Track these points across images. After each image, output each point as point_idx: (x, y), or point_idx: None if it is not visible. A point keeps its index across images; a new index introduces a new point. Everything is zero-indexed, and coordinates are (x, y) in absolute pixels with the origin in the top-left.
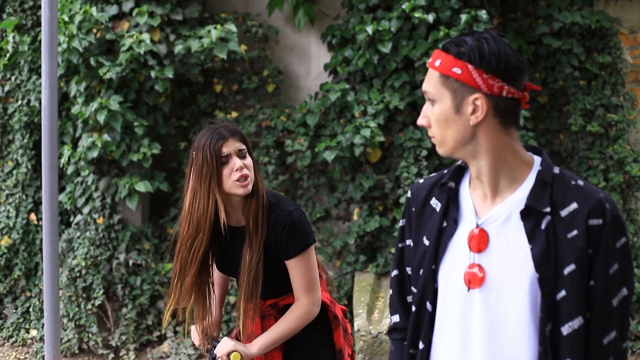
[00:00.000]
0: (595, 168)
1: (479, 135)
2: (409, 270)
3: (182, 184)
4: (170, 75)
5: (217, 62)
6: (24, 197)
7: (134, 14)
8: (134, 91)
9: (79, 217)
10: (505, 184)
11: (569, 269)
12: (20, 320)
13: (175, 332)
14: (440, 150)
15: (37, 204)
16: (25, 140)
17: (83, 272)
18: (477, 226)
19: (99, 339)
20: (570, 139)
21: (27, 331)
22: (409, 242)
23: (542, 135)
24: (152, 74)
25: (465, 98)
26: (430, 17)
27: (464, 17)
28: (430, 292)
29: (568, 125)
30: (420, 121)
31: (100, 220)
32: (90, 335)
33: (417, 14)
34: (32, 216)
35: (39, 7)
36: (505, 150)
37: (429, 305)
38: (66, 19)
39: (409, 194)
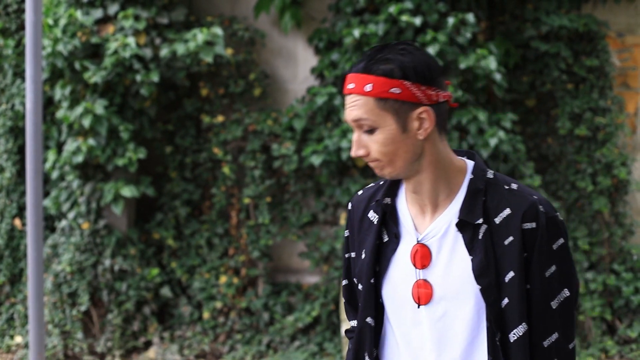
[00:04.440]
0: (583, 172)
1: (425, 148)
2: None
3: (168, 189)
4: (156, 79)
5: (203, 65)
6: (8, 202)
7: (119, 17)
8: (120, 95)
9: (64, 223)
10: (444, 196)
11: (508, 276)
12: (5, 326)
13: (162, 338)
14: (386, 173)
15: (21, 209)
16: (10, 145)
17: (68, 277)
18: (418, 242)
19: (85, 345)
20: (558, 142)
21: (12, 337)
22: (353, 254)
23: (530, 139)
24: (138, 77)
25: (409, 115)
26: (418, 21)
27: (451, 20)
28: (371, 307)
29: (556, 129)
30: (357, 152)
31: (85, 226)
32: (75, 341)
33: (404, 18)
34: (17, 221)
35: (23, 11)
36: (444, 160)
37: (370, 320)
38: (51, 22)
39: (349, 206)
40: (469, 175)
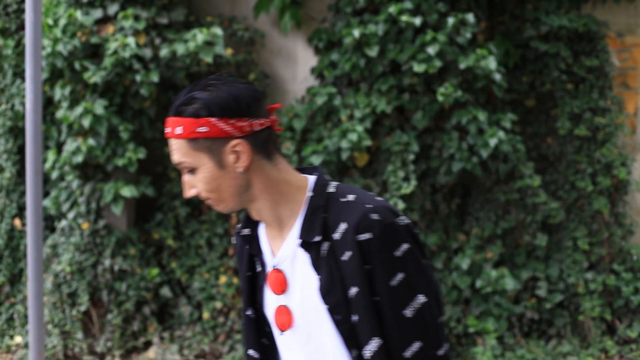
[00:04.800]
0: (583, 172)
1: (251, 178)
2: None
3: (167, 189)
4: (156, 79)
5: (203, 65)
6: (8, 202)
7: (119, 17)
8: (120, 95)
9: (63, 223)
10: (287, 218)
11: (352, 292)
12: (5, 326)
13: (162, 338)
14: (221, 208)
15: (21, 209)
16: (10, 145)
17: (68, 277)
18: (273, 267)
19: (84, 345)
20: (558, 142)
21: (12, 337)
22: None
23: (530, 139)
24: (138, 78)
25: (222, 151)
26: (417, 21)
27: (451, 20)
28: (251, 339)
29: (556, 129)
30: (189, 193)
31: (85, 226)
32: (75, 341)
33: (404, 18)
34: (17, 221)
35: (23, 11)
36: (278, 184)
37: (252, 352)
38: (51, 22)
39: (233, 240)
40: (309, 193)
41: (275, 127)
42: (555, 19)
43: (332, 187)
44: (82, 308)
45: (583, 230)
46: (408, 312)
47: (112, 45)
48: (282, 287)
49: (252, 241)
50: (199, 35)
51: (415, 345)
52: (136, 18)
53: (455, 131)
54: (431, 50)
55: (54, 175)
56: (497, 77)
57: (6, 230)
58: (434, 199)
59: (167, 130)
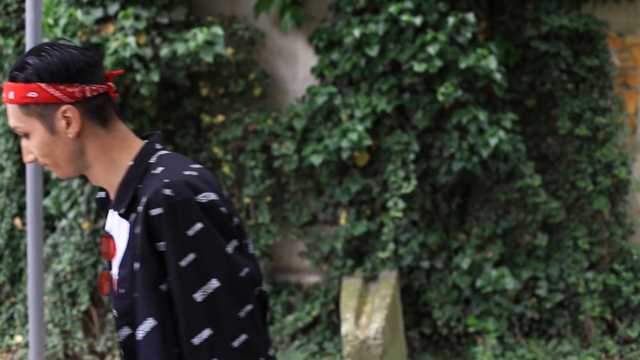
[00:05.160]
0: (583, 172)
1: (85, 144)
2: None
3: None
4: (156, 79)
5: (204, 65)
6: (8, 201)
7: (119, 17)
8: (120, 95)
9: (64, 222)
10: (118, 185)
11: (135, 267)
12: (5, 326)
13: None
14: (59, 174)
15: (21, 208)
16: (10, 144)
17: (68, 277)
18: (106, 233)
19: (85, 345)
20: (558, 142)
21: (12, 337)
22: None
23: (530, 139)
24: (138, 77)
25: (53, 116)
26: (418, 20)
27: (451, 20)
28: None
29: (556, 129)
30: (27, 158)
31: (85, 225)
32: (75, 341)
33: (404, 17)
34: (17, 221)
35: (24, 10)
36: (112, 150)
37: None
38: (51, 22)
39: None
40: (130, 162)
41: (112, 94)
42: (556, 18)
43: (155, 157)
44: (83, 307)
45: (583, 230)
46: (198, 296)
47: (113, 45)
48: (109, 252)
49: (105, 205)
50: (199, 35)
51: (205, 333)
52: (136, 17)
53: (455, 131)
54: (431, 49)
55: (54, 174)
56: (498, 76)
57: (6, 230)
58: (434, 198)
59: (3, 95)
